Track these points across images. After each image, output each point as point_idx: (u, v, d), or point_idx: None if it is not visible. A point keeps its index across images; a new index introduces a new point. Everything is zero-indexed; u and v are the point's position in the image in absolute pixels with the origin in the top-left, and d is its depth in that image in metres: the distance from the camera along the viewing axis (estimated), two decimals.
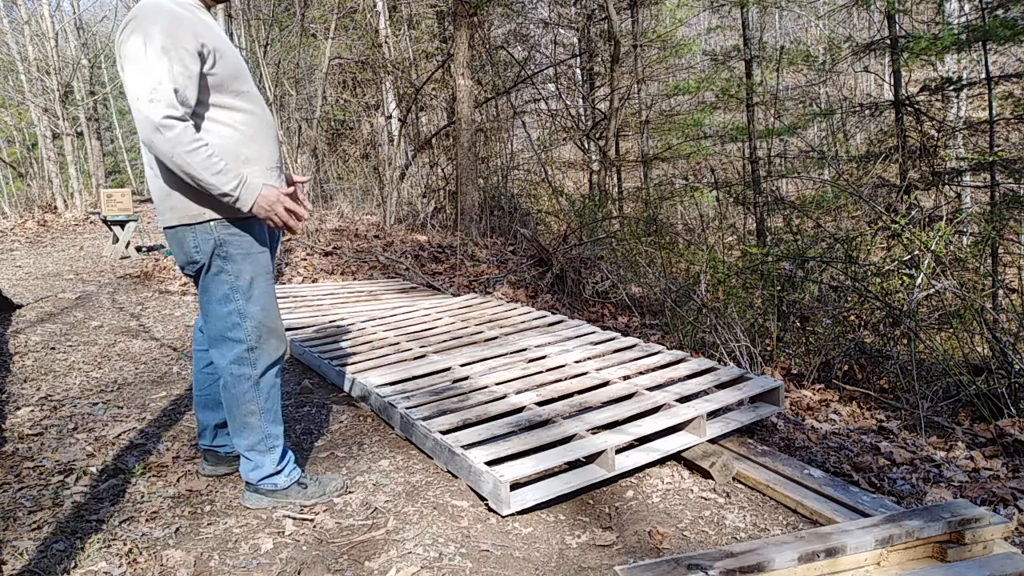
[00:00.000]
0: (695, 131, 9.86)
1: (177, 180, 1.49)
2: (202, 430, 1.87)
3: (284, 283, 5.00)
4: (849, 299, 3.48)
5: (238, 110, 1.53)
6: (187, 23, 1.42)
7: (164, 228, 1.58)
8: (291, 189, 1.59)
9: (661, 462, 2.00)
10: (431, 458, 2.03)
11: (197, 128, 1.46)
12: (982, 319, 2.92)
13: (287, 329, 3.34)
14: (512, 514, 1.71)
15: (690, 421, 2.02)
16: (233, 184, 1.44)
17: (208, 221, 1.53)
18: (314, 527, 1.69)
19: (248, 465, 1.69)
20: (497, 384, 2.40)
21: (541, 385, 2.37)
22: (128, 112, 21.67)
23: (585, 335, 2.98)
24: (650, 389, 2.25)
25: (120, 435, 2.27)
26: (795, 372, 3.21)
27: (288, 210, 1.52)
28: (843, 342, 3.34)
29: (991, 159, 5.28)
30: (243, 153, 1.53)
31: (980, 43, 5.20)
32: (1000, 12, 5.05)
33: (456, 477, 1.91)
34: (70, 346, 3.37)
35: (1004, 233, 4.63)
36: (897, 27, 6.12)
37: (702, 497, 1.85)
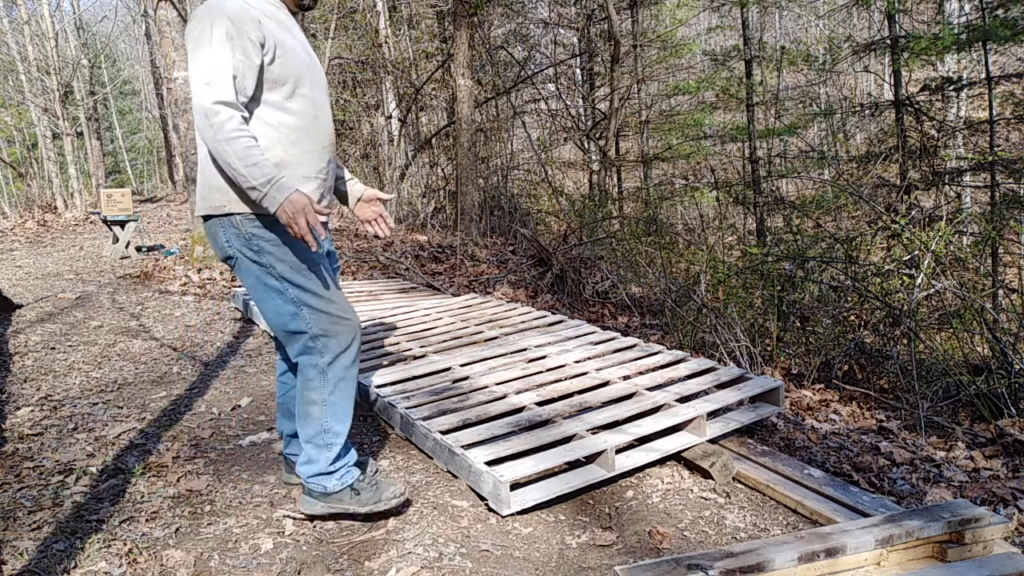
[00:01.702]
0: (695, 131, 9.86)
1: (213, 169, 1.46)
2: (281, 436, 1.82)
3: None
4: (849, 299, 3.48)
5: (287, 112, 1.48)
6: (254, 15, 1.41)
7: (200, 217, 1.54)
8: (326, 210, 1.48)
9: (661, 462, 2.00)
10: (431, 458, 2.03)
11: (245, 120, 1.42)
12: (982, 319, 2.92)
13: None
14: (512, 514, 1.71)
15: (690, 421, 2.02)
16: (263, 180, 1.37)
17: (235, 214, 1.47)
18: (314, 527, 1.69)
19: (302, 456, 1.60)
20: (497, 384, 2.40)
21: (541, 385, 2.37)
22: (128, 112, 21.69)
23: (585, 335, 2.98)
24: (650, 389, 2.25)
25: (120, 435, 2.27)
26: (795, 372, 3.21)
27: (311, 226, 1.40)
28: (843, 342, 3.34)
29: (991, 159, 5.27)
30: (277, 155, 1.47)
31: (980, 43, 5.20)
32: (1000, 12, 5.05)
33: (456, 477, 1.91)
34: (70, 346, 3.37)
35: (1004, 233, 4.63)
36: (897, 27, 6.12)
37: (702, 497, 1.85)
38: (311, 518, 1.65)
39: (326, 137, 1.56)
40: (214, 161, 1.44)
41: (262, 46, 1.41)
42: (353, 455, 1.65)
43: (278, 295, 1.50)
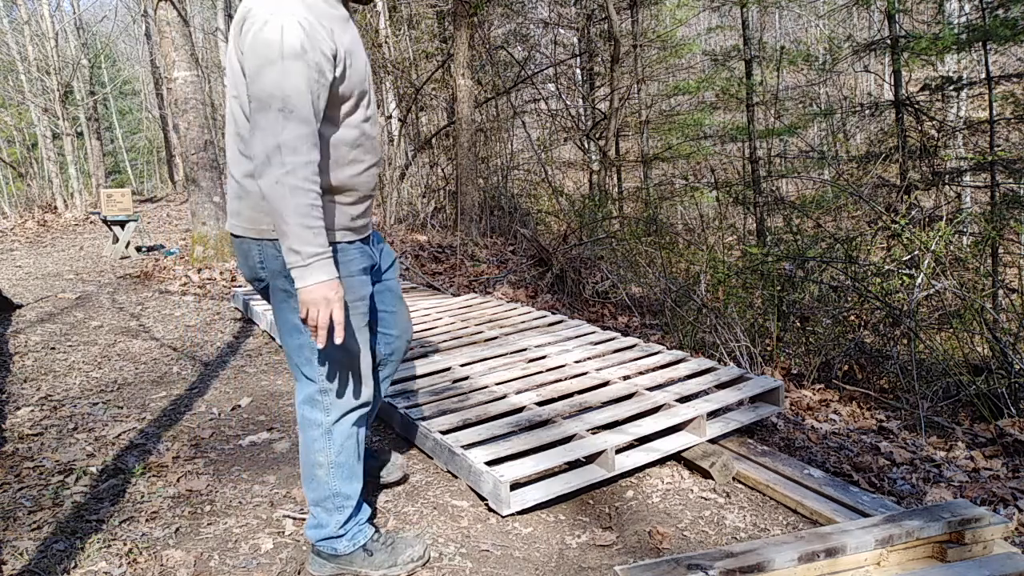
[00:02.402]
0: (695, 131, 9.85)
1: (258, 191, 1.27)
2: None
3: None
4: (849, 299, 3.48)
5: (347, 127, 1.27)
6: (326, 18, 1.20)
7: (231, 234, 1.38)
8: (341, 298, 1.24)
9: (661, 462, 2.00)
10: (431, 458, 2.03)
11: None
12: (982, 319, 2.92)
13: None
14: (512, 514, 1.71)
15: (690, 421, 2.02)
16: (312, 250, 1.17)
17: (275, 240, 1.27)
18: None
19: (311, 521, 1.46)
20: (497, 384, 2.40)
21: (541, 385, 2.37)
22: (128, 112, 21.68)
23: (585, 335, 2.98)
24: (650, 389, 2.25)
25: (120, 435, 2.27)
26: (795, 372, 3.21)
27: (328, 322, 1.22)
28: (843, 342, 3.34)
29: (991, 159, 5.28)
30: (337, 179, 1.28)
31: (980, 43, 5.20)
32: (1000, 12, 5.05)
33: (456, 477, 1.91)
34: (70, 346, 3.37)
35: (1004, 233, 4.63)
36: (897, 27, 6.12)
37: (702, 497, 1.85)
38: None
39: (378, 152, 1.37)
40: (251, 177, 1.26)
41: (334, 58, 1.19)
42: (365, 512, 1.50)
43: (300, 335, 1.33)
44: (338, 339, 1.23)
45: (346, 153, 1.28)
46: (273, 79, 1.14)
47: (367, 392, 1.40)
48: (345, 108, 1.26)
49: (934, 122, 6.12)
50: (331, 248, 1.23)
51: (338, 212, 1.31)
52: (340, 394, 1.37)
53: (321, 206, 1.19)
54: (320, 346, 1.24)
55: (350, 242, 1.35)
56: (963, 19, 6.52)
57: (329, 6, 1.26)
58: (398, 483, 1.81)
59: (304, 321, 1.23)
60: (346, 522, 1.44)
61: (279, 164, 1.14)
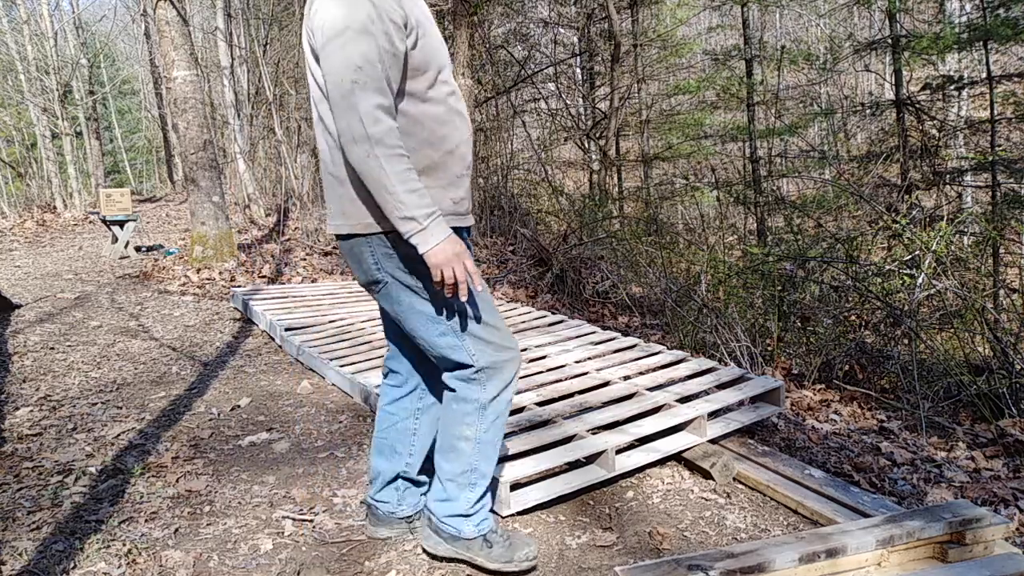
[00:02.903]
0: (696, 131, 9.85)
1: (357, 179, 1.22)
2: (372, 477, 1.57)
3: (284, 283, 4.99)
4: (850, 299, 3.48)
5: (432, 102, 1.22)
6: None
7: (336, 237, 1.32)
8: (470, 259, 1.23)
9: (662, 462, 1.99)
10: None
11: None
12: (983, 319, 2.92)
13: (287, 329, 3.34)
14: (512, 514, 1.71)
15: (691, 421, 2.02)
16: (426, 211, 1.15)
17: (388, 232, 1.24)
18: (313, 528, 1.69)
19: (439, 493, 1.40)
20: None
21: (541, 385, 2.36)
22: (127, 112, 21.66)
23: (585, 335, 2.98)
24: (651, 389, 2.24)
25: (119, 435, 2.26)
26: (796, 372, 3.21)
27: (465, 274, 1.20)
28: (844, 342, 3.34)
29: (992, 159, 5.27)
30: (428, 158, 1.22)
31: (981, 42, 5.19)
32: (1001, 11, 5.04)
33: None
34: (69, 346, 3.37)
35: (1005, 233, 4.62)
36: (898, 26, 6.11)
37: (703, 497, 1.84)
38: (432, 557, 1.47)
39: (468, 129, 1.30)
40: (351, 168, 1.21)
41: (405, 26, 1.16)
42: (489, 500, 1.45)
43: (435, 323, 1.28)
44: (478, 287, 1.22)
45: (436, 129, 1.23)
46: (343, 53, 1.11)
47: (516, 361, 1.36)
48: (425, 80, 1.20)
49: (935, 122, 6.11)
50: (435, 209, 1.18)
51: (439, 199, 1.25)
52: (496, 367, 1.33)
53: (412, 167, 1.16)
54: (463, 298, 1.21)
55: (456, 229, 1.29)
56: (964, 18, 6.51)
57: None
58: None
59: (440, 284, 1.20)
60: (477, 501, 1.39)
61: (363, 138, 1.11)
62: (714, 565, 1.25)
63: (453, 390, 1.36)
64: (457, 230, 1.30)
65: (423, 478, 1.57)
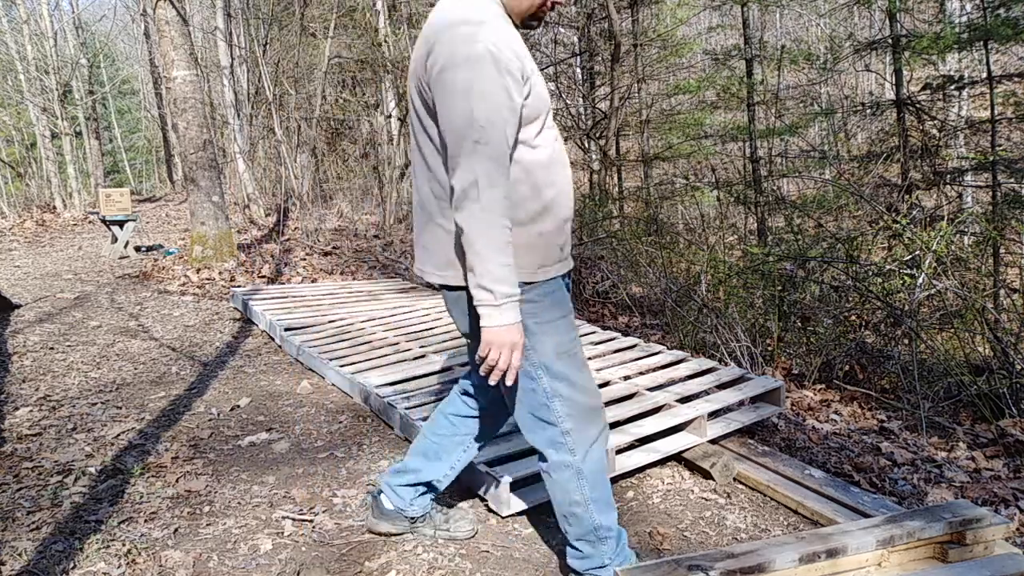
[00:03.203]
0: (696, 130, 9.84)
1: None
2: (400, 470, 1.56)
3: (283, 283, 4.99)
4: (850, 299, 3.47)
5: (539, 148, 1.20)
6: (512, 38, 1.13)
7: (440, 287, 1.29)
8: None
9: (662, 462, 1.99)
10: None
11: None
12: (983, 319, 2.92)
13: (287, 329, 3.33)
14: (512, 515, 1.71)
15: (691, 421, 2.02)
16: (510, 290, 1.13)
17: None
18: (313, 528, 1.68)
19: (575, 553, 1.39)
20: None
21: None
22: (126, 112, 21.65)
23: (585, 335, 2.97)
24: (651, 389, 2.24)
25: (119, 435, 2.26)
26: (796, 372, 3.21)
27: (509, 363, 1.18)
28: (844, 342, 3.34)
29: (993, 159, 5.27)
30: (537, 206, 1.21)
31: (982, 42, 5.19)
32: (1002, 11, 5.04)
33: (456, 478, 1.90)
34: (69, 346, 3.37)
35: (1005, 233, 4.62)
36: (899, 26, 6.10)
37: (703, 498, 1.84)
38: None
39: (569, 171, 1.28)
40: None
41: (522, 78, 1.14)
42: (624, 535, 1.41)
43: (529, 380, 1.27)
44: (509, 382, 1.20)
45: (544, 175, 1.22)
46: (465, 109, 1.10)
47: (600, 422, 1.33)
48: (534, 127, 1.20)
49: (935, 122, 6.11)
50: (516, 292, 1.15)
51: (547, 246, 1.24)
52: (581, 429, 1.30)
53: (511, 240, 1.14)
54: (509, 383, 1.19)
55: (562, 276, 1.29)
56: (964, 18, 6.51)
57: (509, 24, 1.19)
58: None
59: (482, 360, 1.18)
60: (614, 551, 1.38)
61: (475, 198, 1.11)
62: (714, 565, 1.25)
63: (545, 459, 1.34)
64: (563, 275, 1.30)
65: (442, 488, 1.58)
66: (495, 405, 1.51)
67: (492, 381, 1.19)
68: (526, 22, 1.24)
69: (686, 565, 1.26)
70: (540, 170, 1.21)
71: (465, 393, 1.53)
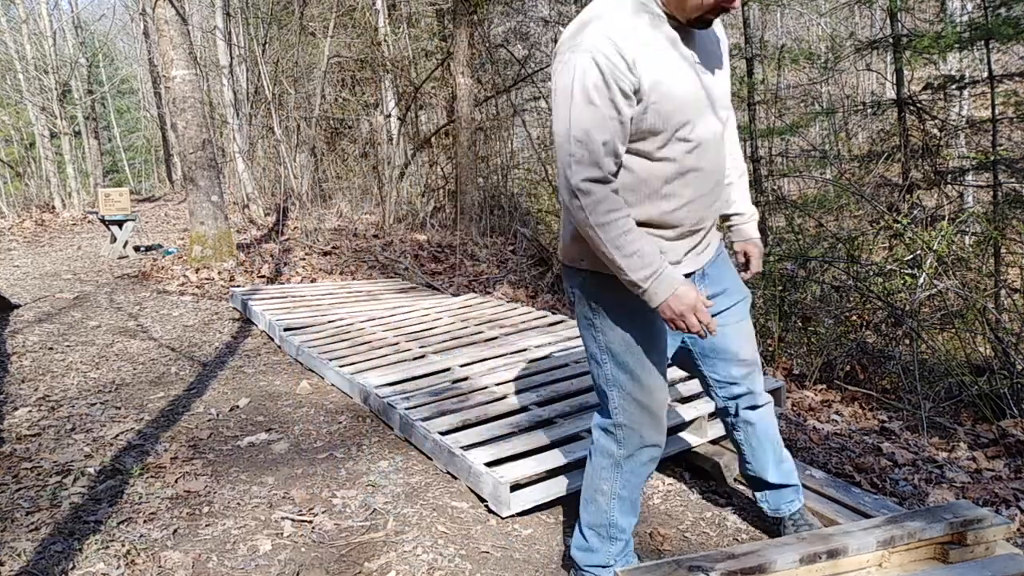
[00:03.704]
0: None
1: (565, 216, 1.28)
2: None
3: (283, 283, 4.99)
4: (851, 299, 3.47)
5: (662, 160, 1.18)
6: (630, 52, 1.10)
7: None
8: (707, 299, 1.22)
9: (662, 463, 1.99)
10: (431, 459, 2.02)
11: (617, 192, 1.17)
12: (984, 319, 2.91)
13: (286, 329, 3.33)
14: (512, 515, 1.70)
15: (691, 422, 2.01)
16: (644, 274, 1.14)
17: (585, 271, 1.28)
18: (313, 529, 1.68)
19: (580, 542, 1.41)
20: (497, 384, 2.39)
21: (541, 385, 2.36)
22: (126, 111, 21.65)
23: None
24: None
25: (118, 436, 2.26)
26: (797, 372, 3.20)
27: (700, 321, 1.17)
28: (845, 342, 3.33)
29: (994, 158, 5.26)
30: (646, 213, 1.20)
31: (983, 41, 5.18)
32: (1003, 11, 5.03)
33: (456, 478, 1.90)
34: (68, 346, 3.36)
35: (1006, 233, 4.61)
36: (900, 25, 6.10)
37: (703, 498, 1.84)
38: None
39: (710, 183, 1.24)
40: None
41: (635, 93, 1.12)
42: (631, 545, 1.43)
43: (598, 365, 1.32)
44: (712, 331, 1.19)
45: (659, 187, 1.19)
46: (564, 122, 1.12)
47: (659, 434, 1.34)
48: (657, 141, 1.16)
49: (936, 121, 6.10)
50: (658, 267, 1.15)
51: (670, 248, 1.26)
52: (633, 431, 1.31)
53: (633, 228, 1.15)
54: (712, 334, 1.20)
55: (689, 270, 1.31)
56: (965, 18, 6.50)
57: (651, 26, 1.14)
58: None
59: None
60: (619, 554, 1.39)
61: (578, 208, 1.14)
62: (715, 566, 1.24)
63: (594, 440, 1.38)
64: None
65: (773, 481, 1.54)
66: (686, 359, 1.49)
67: (709, 333, 1.19)
68: (692, 22, 1.16)
69: (687, 566, 1.25)
70: (659, 181, 1.19)
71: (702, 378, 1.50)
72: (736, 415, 1.49)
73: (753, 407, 1.47)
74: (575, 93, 1.10)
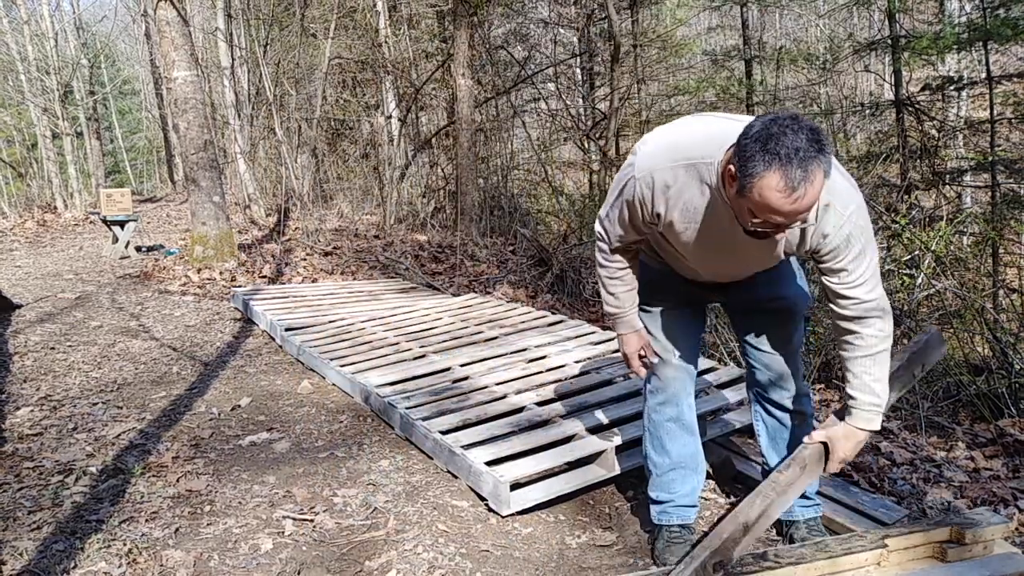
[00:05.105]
0: None
1: None
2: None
3: (284, 283, 5.00)
4: None
5: (655, 259, 1.51)
6: (669, 197, 1.27)
7: None
8: (650, 343, 1.52)
9: None
10: (431, 458, 2.03)
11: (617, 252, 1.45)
12: (982, 319, 2.92)
13: (287, 329, 3.34)
14: (512, 514, 1.71)
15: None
16: (608, 310, 1.51)
17: None
18: (314, 527, 1.69)
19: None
20: (497, 384, 2.39)
21: (541, 385, 2.37)
22: (127, 112, 21.67)
23: (585, 335, 2.98)
24: None
25: (120, 435, 2.27)
26: None
27: (631, 365, 1.54)
28: None
29: (992, 159, 5.27)
30: (647, 274, 1.51)
31: (981, 42, 5.19)
32: (1001, 12, 5.04)
33: (456, 477, 1.90)
34: (70, 346, 3.37)
35: (1004, 233, 4.62)
36: (898, 26, 6.10)
37: (702, 497, 1.84)
38: None
39: (691, 268, 1.43)
40: None
41: (652, 216, 1.32)
42: (683, 498, 1.56)
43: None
44: (638, 374, 1.57)
45: (655, 267, 1.52)
46: (601, 210, 1.43)
47: (662, 384, 1.55)
48: (654, 249, 1.47)
49: (935, 122, 6.11)
50: (619, 312, 1.49)
51: (648, 255, 1.52)
52: (652, 373, 1.58)
53: (618, 280, 1.47)
54: (639, 376, 1.59)
55: (667, 304, 1.55)
56: (964, 18, 6.51)
57: (697, 190, 1.23)
58: None
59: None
60: (653, 488, 1.59)
61: (596, 250, 1.49)
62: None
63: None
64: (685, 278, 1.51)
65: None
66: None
67: (638, 374, 1.58)
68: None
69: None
70: (654, 263, 1.52)
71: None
72: (757, 401, 1.60)
73: (776, 405, 1.56)
74: (610, 197, 1.39)
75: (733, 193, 1.12)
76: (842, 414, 1.34)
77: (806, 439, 1.36)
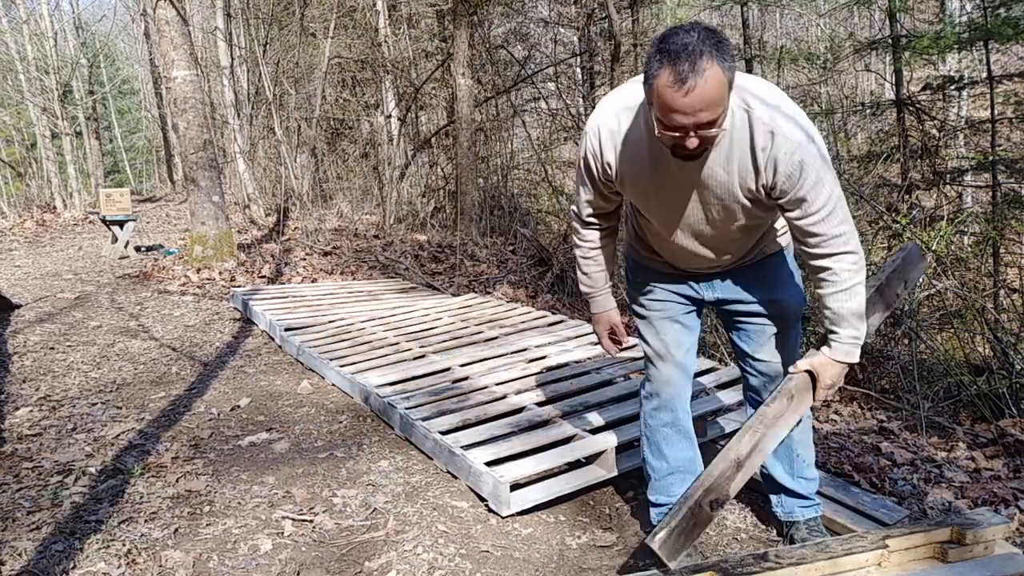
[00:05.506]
0: None
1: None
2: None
3: (283, 283, 4.99)
4: None
5: (638, 217, 1.50)
6: (609, 131, 1.30)
7: None
8: (621, 324, 1.57)
9: None
10: (431, 459, 2.02)
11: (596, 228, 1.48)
12: (983, 319, 2.92)
13: (287, 329, 3.33)
14: (512, 515, 1.71)
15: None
16: (583, 290, 1.56)
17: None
18: (313, 528, 1.69)
19: None
20: (497, 384, 2.39)
21: (541, 385, 2.36)
22: (127, 112, 21.65)
23: (585, 335, 2.98)
24: None
25: (119, 435, 2.26)
26: None
27: (606, 342, 1.57)
28: None
29: (992, 159, 5.26)
30: (639, 237, 1.51)
31: (982, 42, 5.18)
32: (1002, 11, 5.04)
33: (456, 478, 1.90)
34: (69, 346, 3.37)
35: (1005, 233, 4.61)
36: (899, 25, 6.10)
37: None
38: None
39: (668, 243, 1.43)
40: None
41: (602, 168, 1.34)
42: (657, 500, 1.57)
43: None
44: (610, 352, 1.59)
45: (638, 231, 1.52)
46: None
47: (658, 387, 1.55)
48: (632, 208, 1.47)
49: (935, 122, 6.10)
50: (591, 292, 1.54)
51: (638, 265, 1.55)
52: (647, 375, 1.59)
53: (591, 260, 1.51)
54: (611, 355, 1.61)
55: (659, 282, 1.55)
56: (965, 18, 6.50)
57: (639, 131, 1.25)
58: None
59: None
60: (650, 492, 1.60)
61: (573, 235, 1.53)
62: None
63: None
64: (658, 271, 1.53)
65: (788, 486, 1.59)
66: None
67: (610, 354, 1.62)
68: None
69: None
70: (636, 227, 1.51)
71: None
72: (752, 405, 1.60)
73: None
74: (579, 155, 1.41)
75: (649, 111, 1.14)
76: (822, 346, 1.35)
77: (791, 368, 1.36)
